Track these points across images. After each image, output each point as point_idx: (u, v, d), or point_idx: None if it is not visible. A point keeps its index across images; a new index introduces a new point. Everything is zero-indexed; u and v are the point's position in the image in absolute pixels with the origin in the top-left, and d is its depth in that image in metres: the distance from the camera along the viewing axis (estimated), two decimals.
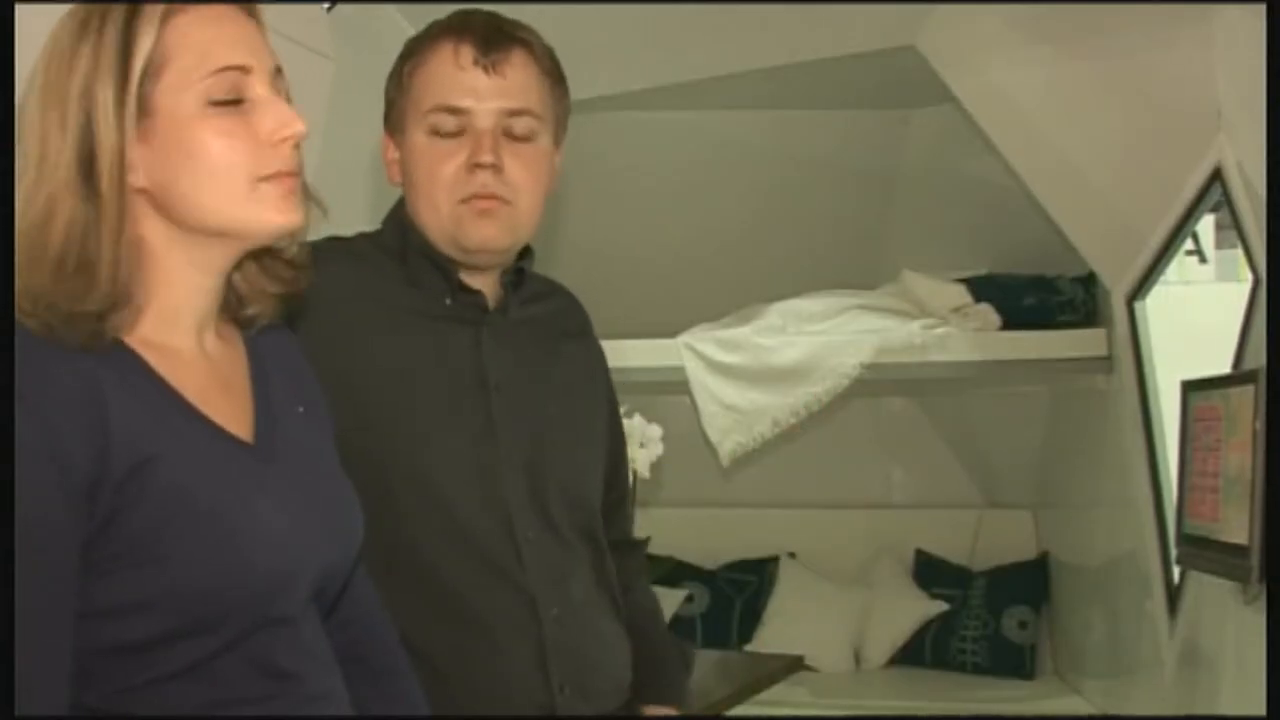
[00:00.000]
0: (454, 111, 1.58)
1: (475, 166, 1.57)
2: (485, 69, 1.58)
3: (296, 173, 1.19)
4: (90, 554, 1.09)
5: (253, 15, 1.21)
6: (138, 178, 1.14)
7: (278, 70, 1.20)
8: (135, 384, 1.13)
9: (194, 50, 1.15)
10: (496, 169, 1.58)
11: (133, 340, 1.16)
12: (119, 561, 1.10)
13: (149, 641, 1.11)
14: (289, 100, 1.21)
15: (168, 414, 1.14)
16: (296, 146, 1.18)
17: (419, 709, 1.42)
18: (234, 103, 1.16)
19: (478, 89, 1.58)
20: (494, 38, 1.59)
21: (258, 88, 1.17)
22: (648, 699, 1.73)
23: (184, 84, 1.14)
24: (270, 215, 1.18)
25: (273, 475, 1.21)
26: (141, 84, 1.13)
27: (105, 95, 1.12)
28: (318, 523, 1.23)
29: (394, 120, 1.65)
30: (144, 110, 1.13)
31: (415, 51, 1.63)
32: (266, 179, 1.17)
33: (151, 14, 1.14)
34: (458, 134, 1.59)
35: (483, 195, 1.58)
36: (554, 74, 1.64)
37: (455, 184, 1.59)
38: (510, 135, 1.60)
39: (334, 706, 1.24)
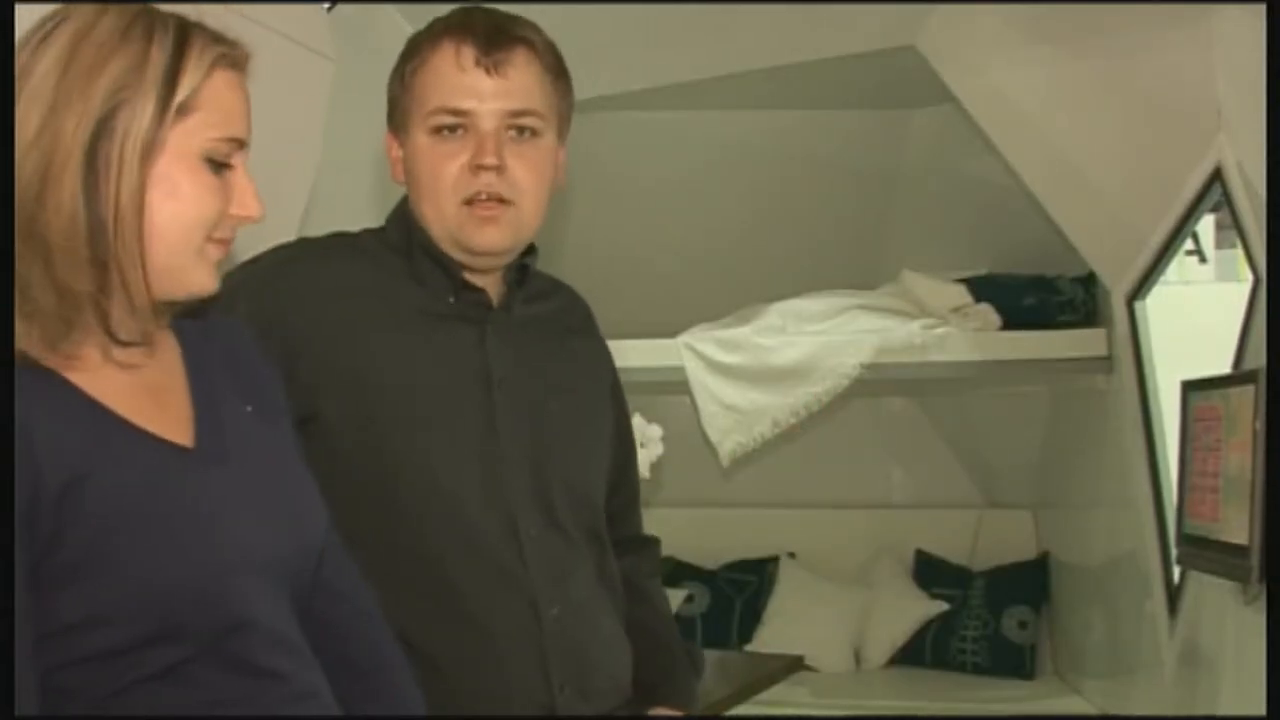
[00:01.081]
0: (456, 113, 1.58)
1: (478, 168, 1.57)
2: (487, 69, 1.58)
3: (230, 243, 1.26)
4: (43, 572, 1.10)
5: None
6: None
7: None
8: (60, 403, 1.14)
9: (219, 109, 1.20)
10: (500, 170, 1.58)
11: (54, 359, 1.16)
12: (71, 577, 1.10)
13: (117, 651, 1.12)
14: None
15: (96, 429, 1.15)
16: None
17: (411, 706, 1.41)
18: (222, 167, 1.22)
19: (480, 90, 1.58)
20: (496, 37, 1.59)
21: (240, 159, 1.24)
22: (656, 702, 1.73)
23: (197, 133, 1.19)
24: (203, 276, 1.23)
25: (216, 477, 1.22)
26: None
27: (144, 113, 1.16)
28: (268, 519, 1.24)
29: (397, 119, 1.65)
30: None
31: (417, 50, 1.62)
32: (214, 242, 1.23)
33: (200, 59, 1.19)
34: (460, 134, 1.59)
35: (486, 198, 1.58)
36: (556, 69, 1.64)
37: (458, 184, 1.58)
38: (513, 135, 1.59)
39: (318, 704, 1.24)
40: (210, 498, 1.20)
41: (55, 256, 1.13)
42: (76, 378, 1.16)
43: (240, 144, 1.23)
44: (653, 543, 1.88)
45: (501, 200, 1.59)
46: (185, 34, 1.19)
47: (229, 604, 1.17)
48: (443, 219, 1.60)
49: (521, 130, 1.60)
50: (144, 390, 1.21)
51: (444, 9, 1.65)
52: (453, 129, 1.59)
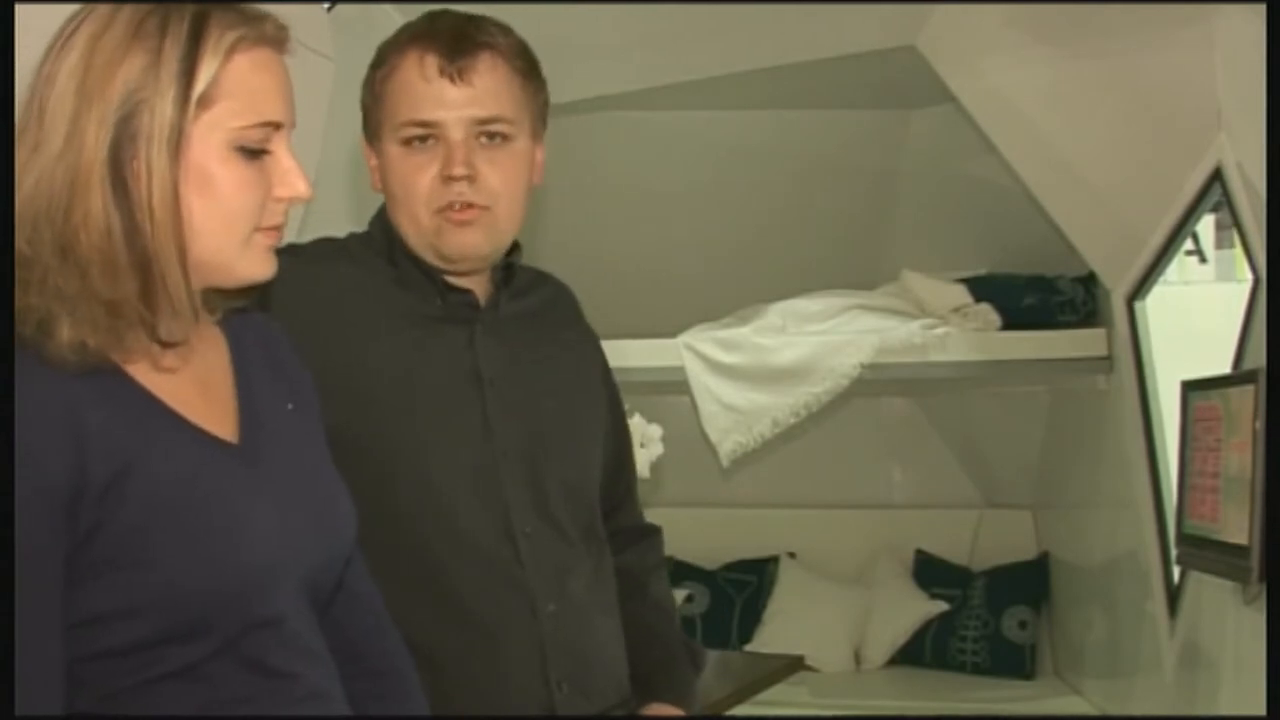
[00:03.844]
0: (424, 124, 1.57)
1: (449, 178, 1.56)
2: (451, 78, 1.56)
3: (283, 227, 1.22)
4: (76, 563, 1.09)
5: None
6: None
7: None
8: (112, 391, 1.13)
9: (244, 96, 1.16)
10: (471, 179, 1.57)
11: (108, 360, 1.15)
12: (106, 568, 1.10)
13: (140, 645, 1.12)
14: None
15: (147, 419, 1.14)
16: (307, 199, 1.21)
17: (419, 709, 1.42)
18: (258, 152, 1.17)
19: (446, 99, 1.56)
20: (459, 44, 1.57)
21: (280, 141, 1.19)
22: (655, 698, 1.73)
23: (223, 123, 1.15)
24: (255, 265, 1.21)
25: (257, 474, 1.21)
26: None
27: (163, 111, 1.12)
28: (305, 520, 1.23)
29: (370, 128, 1.64)
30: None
31: (385, 59, 1.61)
32: (262, 230, 1.19)
33: (217, 46, 1.15)
34: (431, 144, 1.58)
35: (459, 206, 1.57)
36: (525, 70, 1.62)
37: (431, 195, 1.58)
38: (484, 141, 1.58)
39: (330, 706, 1.24)
40: (253, 496, 1.19)
41: (93, 270, 1.11)
42: (131, 365, 1.15)
43: (275, 126, 1.18)
44: (656, 533, 1.88)
45: (475, 206, 1.58)
46: (203, 20, 1.15)
47: (259, 603, 1.16)
48: (419, 228, 1.59)
49: (492, 136, 1.59)
50: (193, 384, 1.21)
51: (443, 8, 1.65)
52: (423, 139, 1.58)
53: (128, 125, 1.12)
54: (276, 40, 1.19)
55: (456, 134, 1.57)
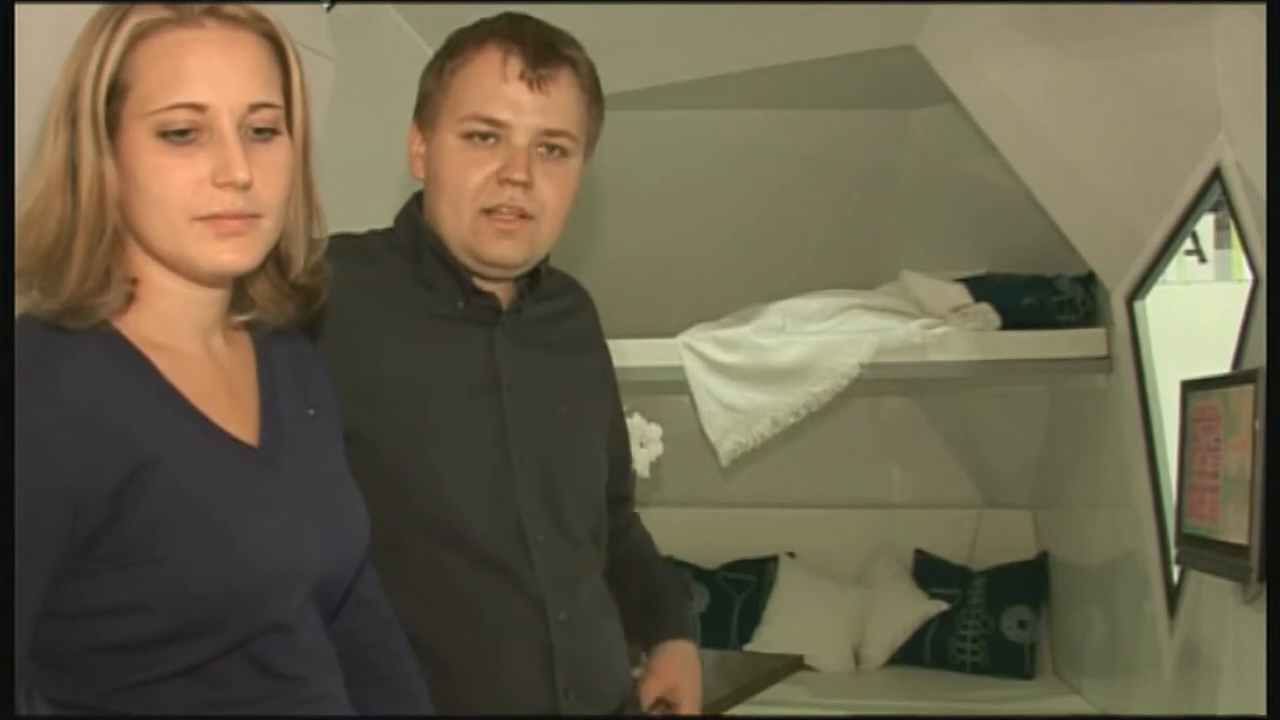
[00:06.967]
0: (491, 122, 1.56)
1: (506, 181, 1.56)
2: (530, 84, 1.56)
3: (242, 215, 1.16)
4: (89, 555, 1.09)
5: (258, 42, 1.19)
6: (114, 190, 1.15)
7: (262, 105, 1.17)
8: (139, 386, 1.14)
9: (156, 79, 1.14)
10: (527, 186, 1.56)
11: (139, 340, 1.16)
12: (118, 562, 1.10)
13: (147, 641, 1.12)
14: (286, 130, 1.20)
15: (171, 416, 1.15)
16: (245, 188, 1.15)
17: (423, 714, 1.42)
18: (187, 138, 1.14)
19: (520, 104, 1.56)
20: (544, 53, 1.58)
21: (219, 125, 1.15)
22: (655, 634, 1.74)
23: (141, 111, 1.14)
24: (207, 254, 1.16)
25: (275, 479, 1.21)
26: (109, 102, 1.13)
27: (85, 106, 1.13)
28: (319, 527, 1.23)
29: (426, 115, 1.62)
30: (112, 128, 1.14)
31: (459, 50, 1.60)
32: (202, 219, 1.15)
33: (123, 32, 1.13)
34: (491, 143, 1.57)
35: (508, 211, 1.57)
36: (593, 92, 1.64)
37: (482, 193, 1.57)
38: (543, 152, 1.58)
39: (333, 708, 1.24)
40: (270, 500, 1.19)
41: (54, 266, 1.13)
42: (160, 360, 1.16)
43: (199, 108, 1.14)
44: (629, 499, 1.91)
45: (523, 215, 1.57)
46: (127, 10, 1.14)
47: (269, 607, 1.17)
48: (459, 224, 1.58)
49: (552, 149, 1.59)
50: (220, 383, 1.21)
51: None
52: (484, 136, 1.57)
53: (75, 125, 1.13)
54: (202, 22, 1.15)
55: (521, 139, 1.56)
